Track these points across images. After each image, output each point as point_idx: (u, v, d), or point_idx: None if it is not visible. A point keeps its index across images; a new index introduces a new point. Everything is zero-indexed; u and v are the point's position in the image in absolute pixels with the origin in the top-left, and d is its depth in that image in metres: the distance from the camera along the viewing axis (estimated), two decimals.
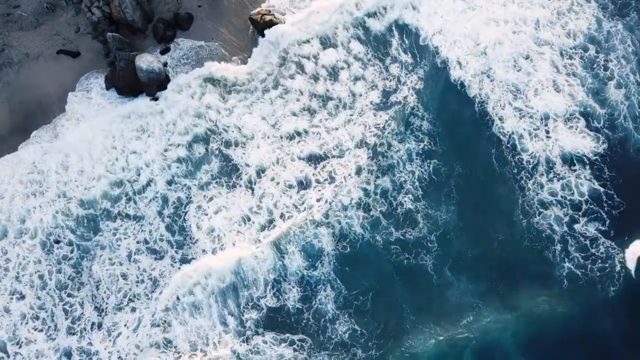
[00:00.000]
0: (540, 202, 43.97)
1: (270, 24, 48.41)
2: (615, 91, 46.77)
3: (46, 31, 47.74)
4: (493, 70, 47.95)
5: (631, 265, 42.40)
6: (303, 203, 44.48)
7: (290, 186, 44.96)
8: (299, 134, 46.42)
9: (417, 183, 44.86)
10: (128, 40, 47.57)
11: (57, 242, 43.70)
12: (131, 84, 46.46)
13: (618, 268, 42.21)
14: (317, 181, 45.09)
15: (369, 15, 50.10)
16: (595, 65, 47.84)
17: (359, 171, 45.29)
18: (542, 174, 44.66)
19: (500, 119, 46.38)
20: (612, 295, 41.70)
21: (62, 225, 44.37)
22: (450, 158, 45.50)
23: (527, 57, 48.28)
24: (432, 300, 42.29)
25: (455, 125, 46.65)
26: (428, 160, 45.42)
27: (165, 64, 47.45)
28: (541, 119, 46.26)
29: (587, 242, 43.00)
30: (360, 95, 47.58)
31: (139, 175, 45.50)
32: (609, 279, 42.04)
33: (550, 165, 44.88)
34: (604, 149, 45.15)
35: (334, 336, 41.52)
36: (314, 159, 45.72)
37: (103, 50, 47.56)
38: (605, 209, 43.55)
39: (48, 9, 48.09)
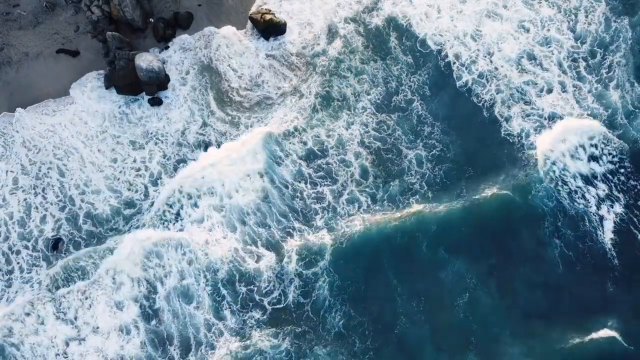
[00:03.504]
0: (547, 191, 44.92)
1: (271, 23, 48.99)
2: (616, 91, 47.41)
3: (45, 30, 48.25)
4: (499, 71, 48.47)
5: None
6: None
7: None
8: (299, 133, 46.90)
9: (425, 187, 45.50)
10: (128, 39, 48.07)
11: (56, 246, 43.79)
12: (131, 83, 46.96)
13: None
14: (317, 183, 45.60)
15: (367, 10, 50.86)
16: (600, 66, 48.46)
17: (365, 174, 45.84)
18: (552, 171, 45.31)
19: (507, 120, 46.97)
20: None
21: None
22: (459, 162, 46.26)
23: (532, 58, 48.83)
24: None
25: (462, 127, 47.36)
26: (439, 165, 46.19)
27: (164, 63, 48.02)
28: (548, 119, 46.90)
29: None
30: (361, 95, 48.18)
31: (146, 196, 45.47)
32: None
33: (558, 164, 45.56)
34: (608, 150, 45.89)
35: (331, 328, 42.11)
36: (315, 160, 46.31)
37: (103, 50, 48.11)
38: None
39: (47, 8, 48.57)
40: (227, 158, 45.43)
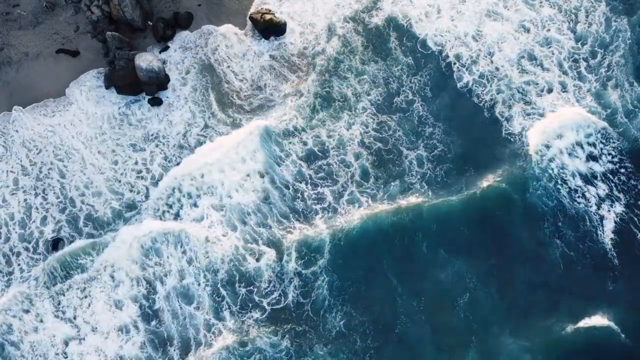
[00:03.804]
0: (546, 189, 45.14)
1: (271, 23, 49.13)
2: (616, 91, 47.63)
3: (45, 30, 48.45)
4: (500, 71, 48.64)
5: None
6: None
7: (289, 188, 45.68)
8: (299, 133, 46.98)
9: (426, 186, 45.69)
10: (127, 39, 48.25)
11: (56, 246, 43.82)
12: (131, 83, 47.11)
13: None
14: (317, 185, 45.68)
15: (366, 10, 51.08)
16: (600, 65, 48.67)
17: (366, 175, 45.93)
18: (552, 169, 45.52)
19: (508, 119, 47.17)
20: None
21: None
22: (460, 162, 46.43)
23: (533, 58, 49.03)
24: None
25: (463, 128, 47.48)
26: (440, 165, 46.36)
27: (164, 63, 48.16)
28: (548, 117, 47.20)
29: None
30: (362, 95, 48.30)
31: (147, 197, 45.30)
32: None
33: (557, 162, 45.76)
34: (608, 149, 46.19)
35: (332, 327, 42.19)
36: (316, 161, 46.39)
37: (102, 49, 48.30)
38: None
39: (47, 8, 48.78)
40: (226, 157, 45.51)
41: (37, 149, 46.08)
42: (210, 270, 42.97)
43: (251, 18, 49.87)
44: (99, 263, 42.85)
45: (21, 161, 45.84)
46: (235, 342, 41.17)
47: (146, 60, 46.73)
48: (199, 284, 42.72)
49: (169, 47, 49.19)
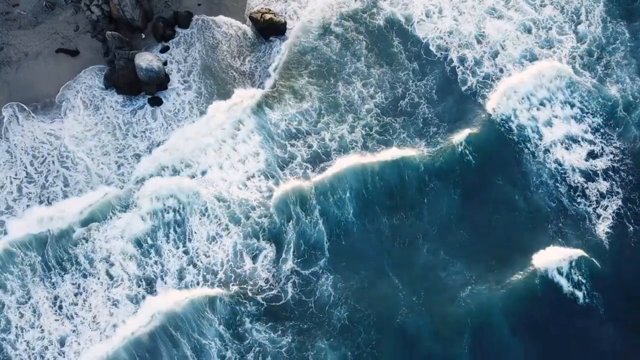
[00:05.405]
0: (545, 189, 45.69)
1: (271, 22, 49.45)
2: (616, 86, 48.10)
3: (45, 30, 48.84)
4: (504, 72, 49.03)
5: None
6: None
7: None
8: (302, 134, 47.23)
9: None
10: (127, 38, 48.61)
11: None
12: (131, 83, 47.40)
13: None
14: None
15: (368, 10, 51.49)
16: (601, 64, 49.04)
17: None
18: (552, 165, 46.07)
19: (510, 114, 47.66)
20: None
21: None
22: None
23: (535, 58, 49.38)
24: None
25: (467, 128, 47.71)
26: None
27: (164, 63, 48.47)
28: (550, 116, 47.75)
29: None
30: (365, 98, 48.62)
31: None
32: None
33: (560, 163, 46.14)
34: (610, 150, 46.63)
35: (335, 321, 42.17)
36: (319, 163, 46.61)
37: (102, 49, 48.64)
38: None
39: (47, 8, 49.24)
40: (225, 153, 45.97)
41: (40, 155, 46.02)
42: (210, 272, 42.96)
43: (251, 17, 50.16)
44: (89, 230, 43.24)
45: (26, 168, 45.85)
46: (235, 339, 41.27)
47: (146, 59, 47.02)
48: (198, 283, 42.70)
49: (169, 47, 49.56)
